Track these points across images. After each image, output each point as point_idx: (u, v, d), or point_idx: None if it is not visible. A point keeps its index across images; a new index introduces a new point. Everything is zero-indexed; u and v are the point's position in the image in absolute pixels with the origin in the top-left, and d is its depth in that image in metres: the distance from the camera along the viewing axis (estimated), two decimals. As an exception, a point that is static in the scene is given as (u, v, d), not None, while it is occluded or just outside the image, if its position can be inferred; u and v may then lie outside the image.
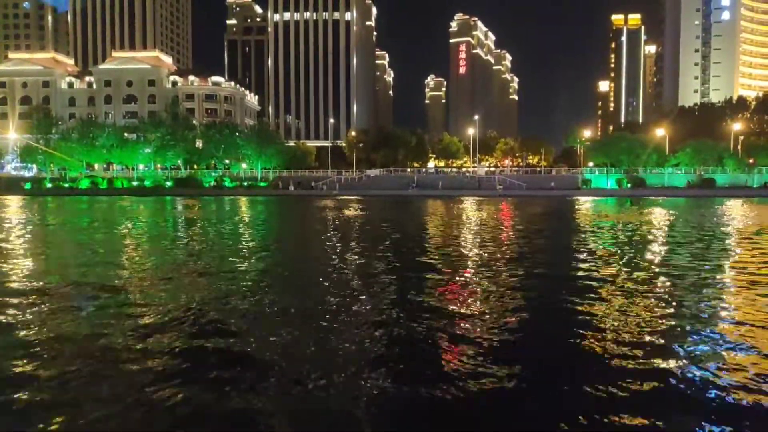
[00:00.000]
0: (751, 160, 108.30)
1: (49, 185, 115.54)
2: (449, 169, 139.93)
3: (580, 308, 12.61)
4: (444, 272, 17.64)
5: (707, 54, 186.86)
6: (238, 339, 10.33)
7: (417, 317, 11.85)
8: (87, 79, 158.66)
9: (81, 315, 12.16)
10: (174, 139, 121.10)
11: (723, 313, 12.41)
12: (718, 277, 17.25)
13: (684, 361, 9.09)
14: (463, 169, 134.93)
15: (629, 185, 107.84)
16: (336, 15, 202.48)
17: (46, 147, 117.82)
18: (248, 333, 10.74)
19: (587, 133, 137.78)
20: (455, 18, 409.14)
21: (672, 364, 8.95)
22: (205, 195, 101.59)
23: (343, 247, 25.53)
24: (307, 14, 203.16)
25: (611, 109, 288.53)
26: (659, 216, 45.58)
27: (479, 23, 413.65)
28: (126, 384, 8.12)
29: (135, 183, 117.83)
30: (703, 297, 14.06)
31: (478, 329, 10.88)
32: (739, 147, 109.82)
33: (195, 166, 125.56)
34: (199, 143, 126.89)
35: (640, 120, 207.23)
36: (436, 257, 21.27)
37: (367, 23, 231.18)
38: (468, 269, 18.52)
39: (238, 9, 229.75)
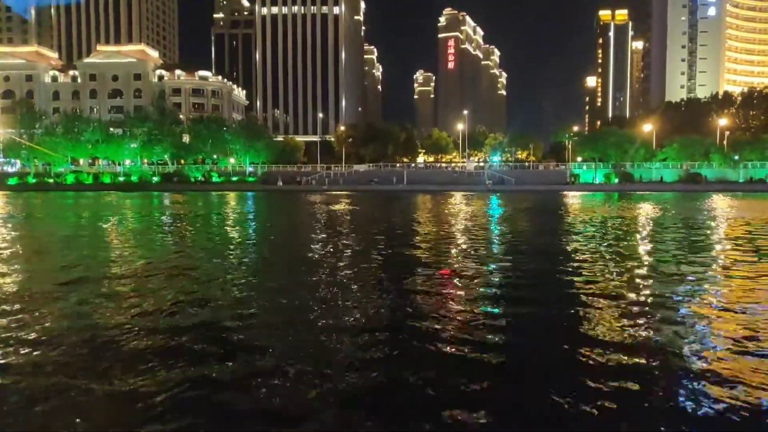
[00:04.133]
0: (736, 157, 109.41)
1: (33, 180, 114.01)
2: (438, 164, 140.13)
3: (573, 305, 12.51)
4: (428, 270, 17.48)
5: (693, 50, 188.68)
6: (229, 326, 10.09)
7: (408, 323, 11.66)
8: (71, 73, 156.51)
9: (65, 313, 11.81)
10: (161, 133, 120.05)
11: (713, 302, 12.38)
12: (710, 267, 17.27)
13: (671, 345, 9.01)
14: (452, 164, 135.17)
15: (617, 180, 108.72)
16: (324, 9, 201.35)
17: (30, 142, 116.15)
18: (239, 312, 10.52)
19: (576, 128, 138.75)
20: (444, 13, 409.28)
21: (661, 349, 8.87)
22: (192, 190, 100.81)
23: (333, 241, 25.29)
24: (295, 8, 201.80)
25: (599, 104, 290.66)
26: (650, 211, 45.86)
27: (467, 18, 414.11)
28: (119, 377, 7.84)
29: (121, 178, 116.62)
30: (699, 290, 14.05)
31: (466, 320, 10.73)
32: (725, 142, 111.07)
33: (182, 161, 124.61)
34: (186, 138, 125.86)
35: (627, 115, 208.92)
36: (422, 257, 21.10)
37: (356, 17, 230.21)
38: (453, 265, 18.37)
39: (225, 2, 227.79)
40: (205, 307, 12.32)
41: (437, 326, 10.71)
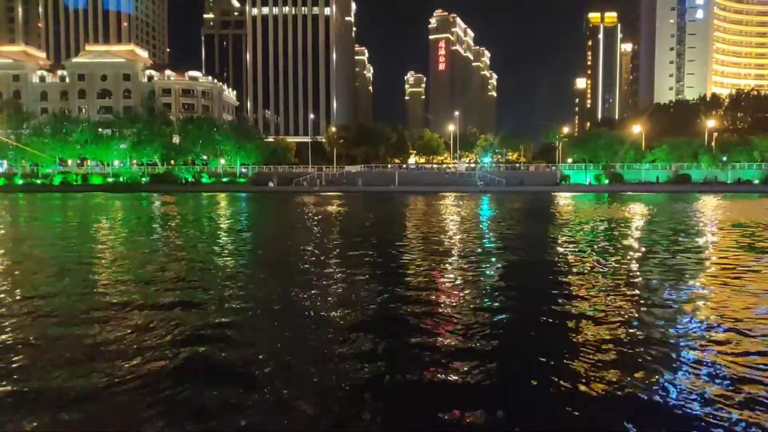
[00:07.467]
0: (724, 158, 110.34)
1: (21, 182, 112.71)
2: (429, 165, 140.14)
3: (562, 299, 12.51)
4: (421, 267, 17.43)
5: (682, 52, 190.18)
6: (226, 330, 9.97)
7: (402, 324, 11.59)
8: (59, 72, 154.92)
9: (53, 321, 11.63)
10: (150, 134, 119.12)
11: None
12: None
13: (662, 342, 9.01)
14: (444, 165, 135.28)
15: (607, 181, 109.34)
16: (315, 10, 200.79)
17: (17, 142, 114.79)
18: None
19: (565, 130, 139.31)
20: (434, 14, 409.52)
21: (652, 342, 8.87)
22: (182, 191, 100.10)
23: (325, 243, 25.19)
24: (286, 9, 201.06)
25: (588, 106, 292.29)
26: (641, 213, 46.16)
27: (458, 20, 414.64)
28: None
29: (110, 179, 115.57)
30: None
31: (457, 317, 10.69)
32: (713, 143, 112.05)
33: (172, 162, 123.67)
34: (176, 139, 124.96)
35: (617, 117, 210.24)
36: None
37: (347, 18, 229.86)
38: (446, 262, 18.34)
39: (215, 3, 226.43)
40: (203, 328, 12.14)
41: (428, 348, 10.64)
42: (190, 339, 9.91)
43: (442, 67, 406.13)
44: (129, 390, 7.63)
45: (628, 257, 20.04)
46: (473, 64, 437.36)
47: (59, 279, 15.82)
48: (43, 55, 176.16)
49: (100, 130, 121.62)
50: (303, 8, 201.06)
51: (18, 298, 13.29)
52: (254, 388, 7.77)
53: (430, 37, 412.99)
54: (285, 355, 9.22)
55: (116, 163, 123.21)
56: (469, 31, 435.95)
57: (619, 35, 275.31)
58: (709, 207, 52.58)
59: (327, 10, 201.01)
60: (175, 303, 12.65)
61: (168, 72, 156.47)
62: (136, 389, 7.68)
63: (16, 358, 8.95)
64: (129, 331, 10.38)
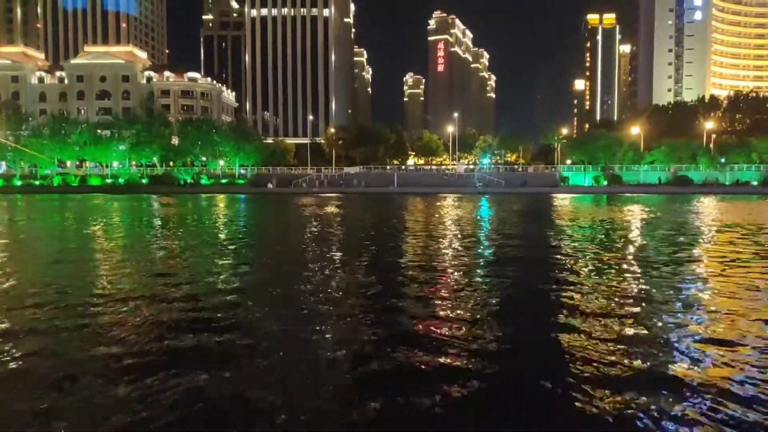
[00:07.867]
0: (722, 159, 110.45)
1: (19, 183, 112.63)
2: (428, 167, 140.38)
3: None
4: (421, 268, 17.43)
5: (680, 54, 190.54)
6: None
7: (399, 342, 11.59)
8: (58, 74, 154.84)
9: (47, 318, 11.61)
10: (149, 135, 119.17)
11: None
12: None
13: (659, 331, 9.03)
14: (444, 166, 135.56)
15: (606, 182, 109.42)
16: (314, 11, 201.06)
17: (16, 143, 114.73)
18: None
19: (564, 131, 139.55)
20: (433, 16, 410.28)
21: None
22: (181, 193, 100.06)
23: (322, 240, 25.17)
24: (285, 10, 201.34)
25: (587, 107, 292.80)
26: (641, 215, 46.24)
27: (457, 21, 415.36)
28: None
29: (109, 181, 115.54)
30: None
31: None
32: (712, 145, 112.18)
33: (171, 164, 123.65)
34: (175, 140, 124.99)
35: (615, 118, 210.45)
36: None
37: (346, 20, 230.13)
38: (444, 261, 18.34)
39: (214, 4, 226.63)
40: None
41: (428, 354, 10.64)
42: (185, 336, 9.94)
43: (440, 68, 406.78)
44: (123, 384, 7.67)
45: (627, 259, 20.07)
46: (472, 65, 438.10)
47: (53, 278, 15.79)
48: (42, 56, 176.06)
49: (99, 131, 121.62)
50: (302, 9, 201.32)
51: (13, 295, 13.28)
52: (250, 386, 7.77)
53: (429, 38, 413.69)
54: (281, 353, 9.22)
55: (115, 164, 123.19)
56: (468, 32, 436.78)
57: (618, 36, 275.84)
58: (707, 208, 52.66)
59: (326, 12, 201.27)
60: (168, 300, 12.74)
61: (167, 73, 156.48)
62: (130, 383, 7.72)
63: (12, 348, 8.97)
64: (124, 328, 10.37)
